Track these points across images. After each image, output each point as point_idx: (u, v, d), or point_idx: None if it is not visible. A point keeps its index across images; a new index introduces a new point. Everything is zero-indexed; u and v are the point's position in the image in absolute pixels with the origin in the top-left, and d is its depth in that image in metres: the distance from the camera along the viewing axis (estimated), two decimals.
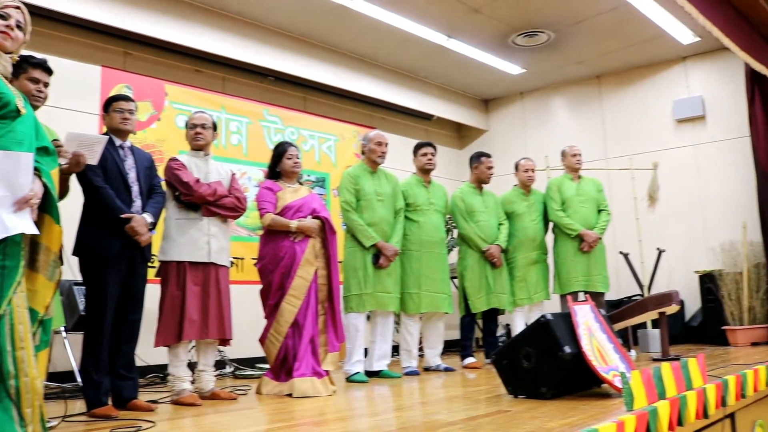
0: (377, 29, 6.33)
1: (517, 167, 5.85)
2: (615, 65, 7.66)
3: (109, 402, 3.35)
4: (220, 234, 3.92)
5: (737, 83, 6.65)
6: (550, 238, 5.83)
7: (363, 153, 5.05)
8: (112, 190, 3.40)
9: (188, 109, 5.46)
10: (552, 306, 5.78)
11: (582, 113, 8.05)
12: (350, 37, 6.59)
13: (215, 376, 4.02)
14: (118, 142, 3.56)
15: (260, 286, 4.15)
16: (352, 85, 7.02)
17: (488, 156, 5.66)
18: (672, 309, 4.78)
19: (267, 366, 4.22)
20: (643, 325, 5.98)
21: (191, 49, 5.80)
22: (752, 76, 6.20)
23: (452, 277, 5.72)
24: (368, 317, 4.94)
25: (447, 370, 5.10)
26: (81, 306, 4.27)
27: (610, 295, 6.67)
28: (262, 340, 4.05)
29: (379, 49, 6.90)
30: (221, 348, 4.99)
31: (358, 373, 4.59)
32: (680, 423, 2.81)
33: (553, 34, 6.70)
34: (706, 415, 3.11)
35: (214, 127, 4.09)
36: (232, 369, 5.34)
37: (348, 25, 6.27)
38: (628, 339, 5.79)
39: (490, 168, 5.60)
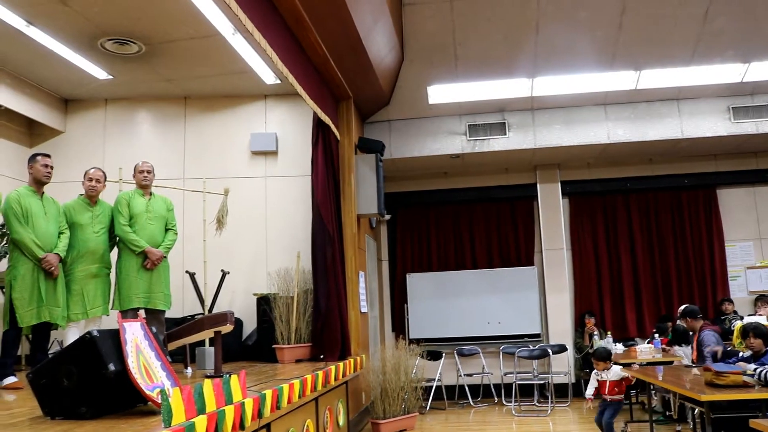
0: None
1: (84, 176, 5.54)
2: (202, 90, 7.87)
3: None
4: None
5: (307, 127, 7.37)
6: (116, 252, 5.64)
7: None
8: None
9: None
10: (111, 322, 5.55)
11: (165, 131, 8.04)
12: None
13: None
14: None
15: None
16: None
17: (46, 155, 5.23)
18: (227, 328, 5.00)
19: None
20: (201, 343, 6.15)
21: None
22: (319, 123, 6.92)
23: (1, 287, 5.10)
24: None
25: None
26: None
27: (175, 313, 6.74)
28: None
29: None
30: None
31: None
32: None
33: (145, 47, 6.58)
34: (242, 427, 3.35)
35: None
36: None
37: None
38: (186, 357, 5.89)
39: (46, 167, 5.16)
